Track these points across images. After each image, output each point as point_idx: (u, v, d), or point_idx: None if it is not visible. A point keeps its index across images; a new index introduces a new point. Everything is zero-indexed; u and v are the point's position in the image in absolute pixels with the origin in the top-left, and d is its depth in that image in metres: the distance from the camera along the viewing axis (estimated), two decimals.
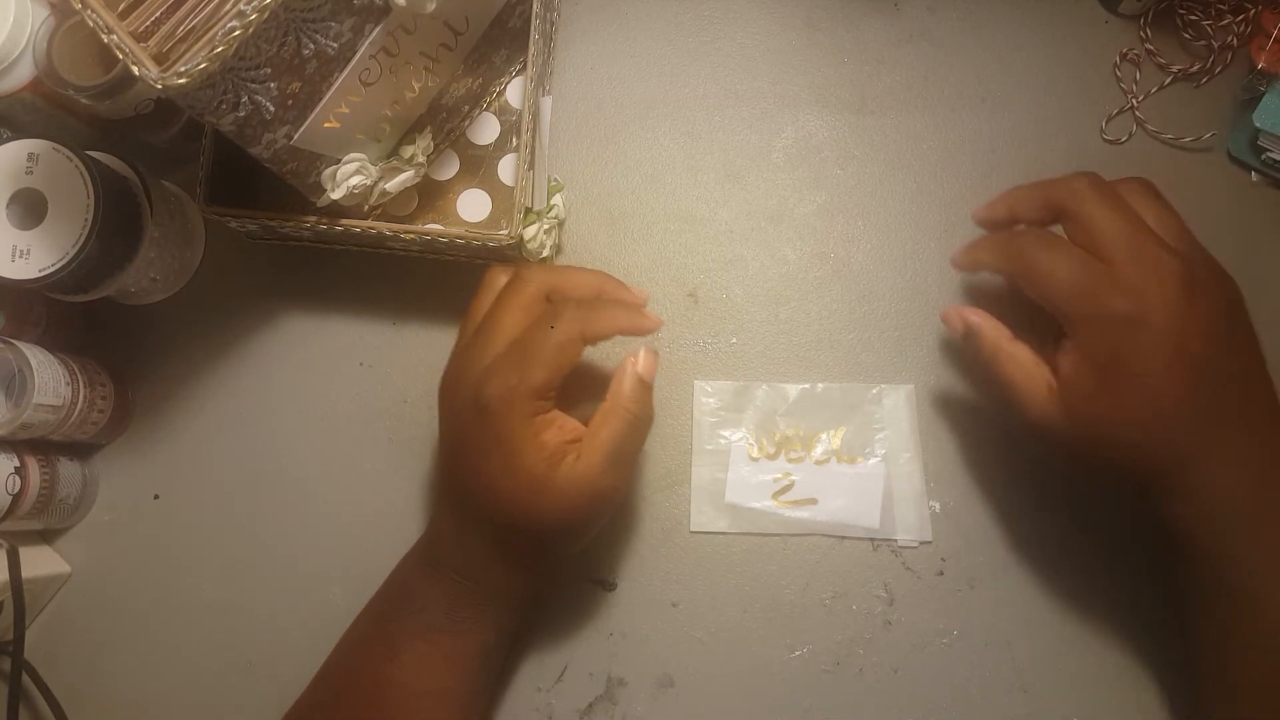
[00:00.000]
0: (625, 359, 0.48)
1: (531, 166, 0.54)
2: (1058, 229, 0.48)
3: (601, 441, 0.46)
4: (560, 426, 0.46)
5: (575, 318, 0.46)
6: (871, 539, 0.54)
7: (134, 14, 0.40)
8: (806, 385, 0.57)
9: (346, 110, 0.48)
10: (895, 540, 0.54)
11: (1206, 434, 0.44)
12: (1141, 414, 0.44)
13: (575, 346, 0.46)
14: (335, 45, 0.44)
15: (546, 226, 0.55)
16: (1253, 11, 0.59)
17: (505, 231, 0.53)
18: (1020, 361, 0.47)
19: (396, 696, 0.47)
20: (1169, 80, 0.60)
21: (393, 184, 0.53)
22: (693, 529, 0.55)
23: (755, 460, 0.56)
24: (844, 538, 0.55)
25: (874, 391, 0.56)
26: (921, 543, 0.54)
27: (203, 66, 0.39)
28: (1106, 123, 0.60)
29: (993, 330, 0.49)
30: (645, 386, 0.48)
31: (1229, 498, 0.44)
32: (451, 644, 0.48)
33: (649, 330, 0.48)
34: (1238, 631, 0.44)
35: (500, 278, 0.50)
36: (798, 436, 0.56)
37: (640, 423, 0.47)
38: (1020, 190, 0.49)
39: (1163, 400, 0.44)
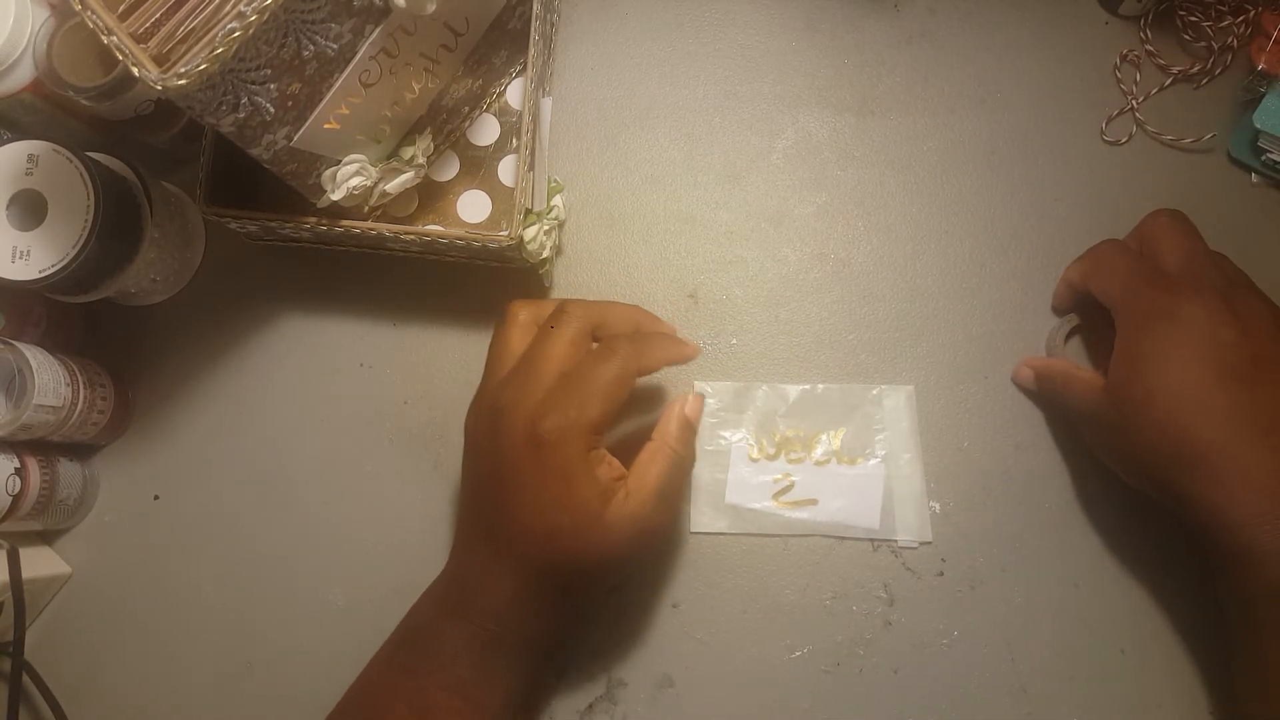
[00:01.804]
0: (674, 400, 0.49)
1: (531, 168, 0.54)
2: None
3: (650, 479, 0.46)
4: (609, 463, 0.46)
5: (629, 353, 0.46)
6: (871, 540, 0.55)
7: (134, 15, 0.40)
8: (806, 386, 0.57)
9: (346, 111, 0.48)
10: (895, 541, 0.54)
11: (1239, 426, 0.45)
12: (1170, 398, 0.46)
13: (629, 382, 0.46)
14: (335, 46, 0.44)
15: (546, 227, 0.55)
16: (1253, 13, 0.59)
17: (505, 232, 0.53)
18: (1083, 378, 0.52)
19: None
20: (1169, 81, 0.60)
21: (393, 185, 0.53)
22: (693, 530, 0.55)
23: (755, 461, 0.56)
24: (844, 538, 0.55)
25: (874, 392, 0.56)
26: (921, 543, 0.54)
27: (202, 68, 0.39)
28: (1106, 124, 0.60)
29: (1060, 364, 0.54)
30: (691, 429, 0.49)
31: (1259, 490, 0.44)
32: (482, 697, 0.46)
33: (692, 358, 0.50)
34: (1268, 625, 0.45)
35: (524, 311, 0.50)
36: (798, 437, 0.56)
37: (685, 463, 0.48)
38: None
39: (1191, 387, 0.46)
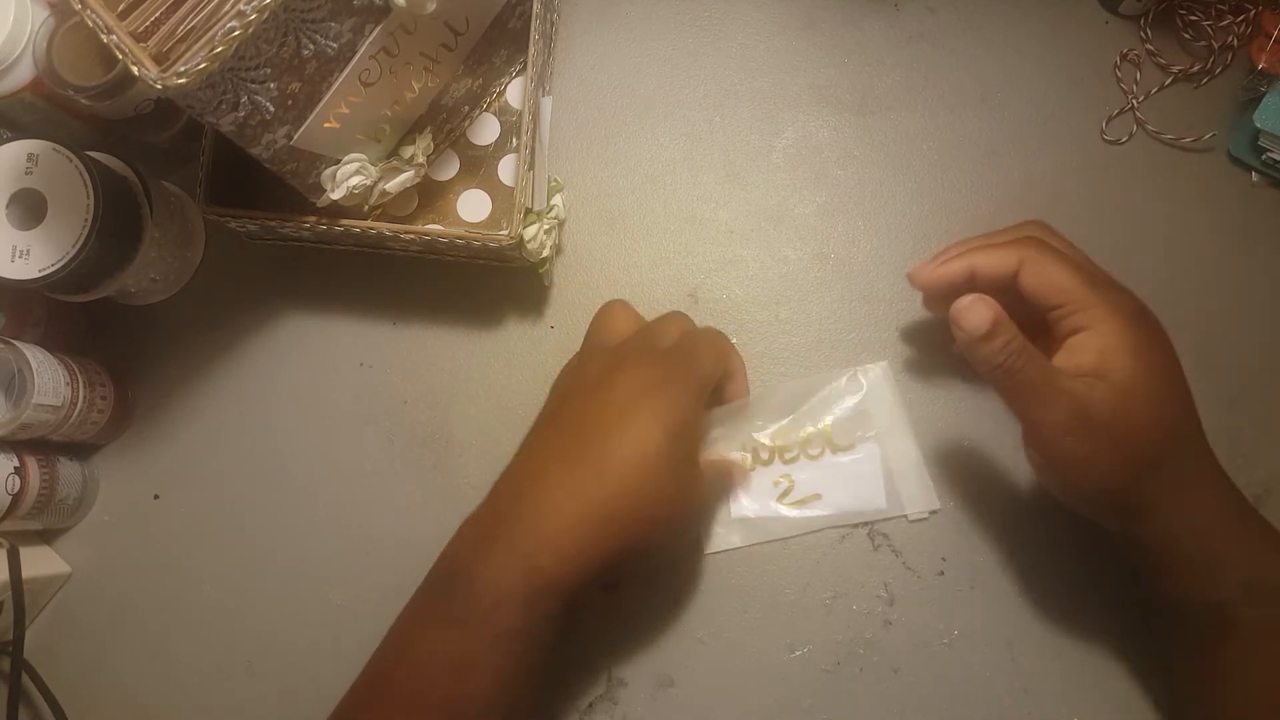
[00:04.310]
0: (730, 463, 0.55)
1: (531, 167, 0.54)
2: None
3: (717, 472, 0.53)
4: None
5: (726, 346, 0.53)
6: (883, 519, 0.54)
7: (134, 14, 0.39)
8: (786, 381, 0.57)
9: (346, 110, 0.48)
10: (906, 515, 0.54)
11: (1177, 446, 0.45)
12: (1169, 390, 0.45)
13: (729, 358, 0.52)
14: (335, 45, 0.44)
15: (546, 227, 0.55)
16: (1253, 12, 0.59)
17: (505, 232, 0.53)
18: (1044, 361, 0.45)
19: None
20: (1169, 81, 0.60)
21: (393, 184, 0.53)
22: (707, 552, 0.55)
23: (752, 470, 0.56)
24: (855, 526, 0.55)
25: (848, 376, 0.56)
26: (931, 512, 0.54)
27: (202, 67, 0.39)
28: (1107, 123, 0.60)
29: (1013, 329, 0.44)
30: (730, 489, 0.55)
31: (1199, 510, 0.45)
32: (527, 652, 0.43)
33: (741, 397, 0.54)
34: (1213, 649, 0.45)
35: (626, 307, 0.53)
36: (788, 438, 0.56)
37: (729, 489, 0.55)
38: (976, 250, 0.49)
39: (1181, 381, 0.46)
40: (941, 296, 0.50)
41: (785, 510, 0.55)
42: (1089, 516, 0.48)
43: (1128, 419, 0.44)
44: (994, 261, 0.48)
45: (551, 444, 0.47)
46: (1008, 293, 0.47)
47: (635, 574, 0.54)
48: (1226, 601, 0.44)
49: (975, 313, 0.44)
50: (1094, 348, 0.45)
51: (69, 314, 0.58)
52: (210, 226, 0.61)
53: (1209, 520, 0.45)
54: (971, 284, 0.48)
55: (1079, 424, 0.44)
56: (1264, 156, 0.57)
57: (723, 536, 0.55)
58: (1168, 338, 0.47)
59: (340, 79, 0.46)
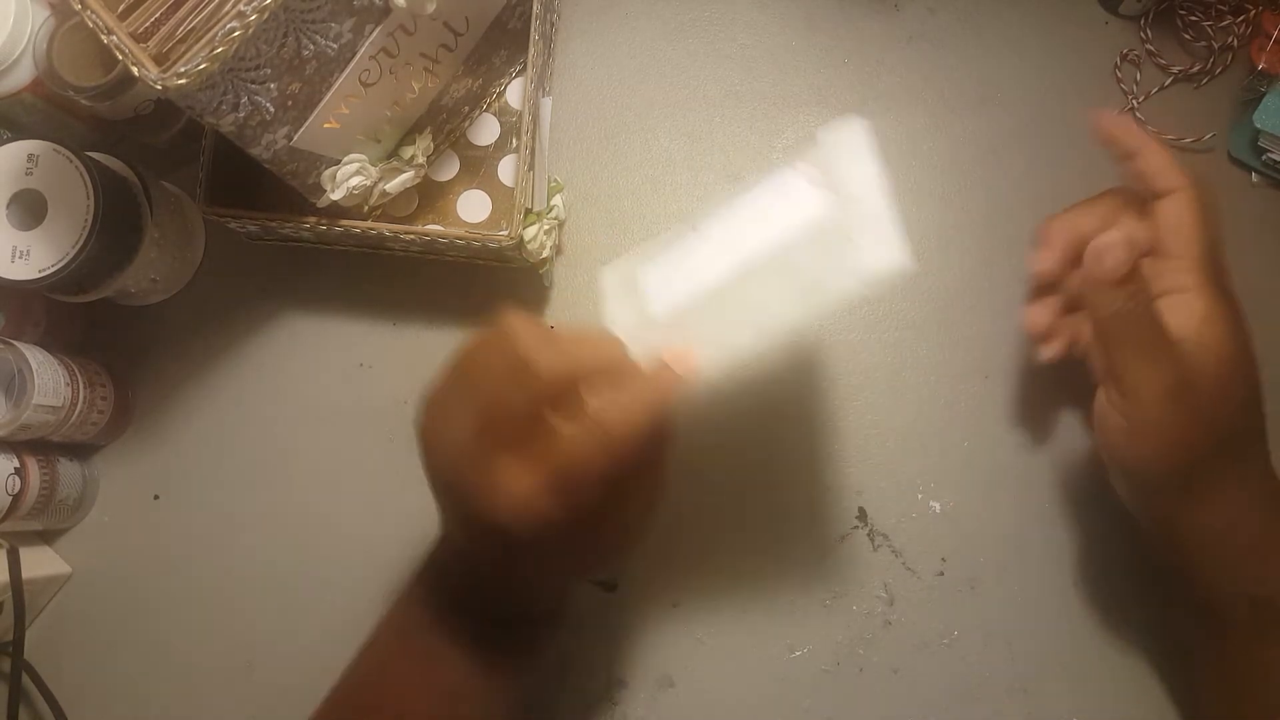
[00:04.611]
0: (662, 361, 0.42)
1: (531, 167, 0.54)
2: None
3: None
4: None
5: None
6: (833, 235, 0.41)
7: (134, 15, 0.40)
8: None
9: (346, 111, 0.48)
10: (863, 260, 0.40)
11: (1248, 432, 0.45)
12: (1251, 347, 0.44)
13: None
14: (335, 46, 0.44)
15: (546, 227, 0.55)
16: (1253, 12, 0.59)
17: (505, 232, 0.53)
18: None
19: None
20: (1169, 81, 0.60)
21: (392, 185, 0.53)
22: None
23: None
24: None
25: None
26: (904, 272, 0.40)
27: (202, 67, 0.39)
28: None
29: (1145, 291, 0.43)
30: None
31: (1252, 504, 0.44)
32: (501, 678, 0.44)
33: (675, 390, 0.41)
34: (1255, 645, 0.45)
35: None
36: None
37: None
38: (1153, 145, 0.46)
39: (1235, 385, 0.44)
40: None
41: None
42: (1138, 498, 0.47)
43: (1221, 393, 0.42)
44: (1162, 165, 0.45)
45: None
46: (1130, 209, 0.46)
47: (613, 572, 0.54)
48: (1270, 597, 0.44)
49: (1117, 253, 0.42)
50: (1198, 311, 0.43)
51: (69, 314, 0.58)
52: (210, 227, 0.61)
53: (1261, 514, 0.44)
54: (1127, 170, 0.46)
55: (1181, 389, 0.42)
56: (1264, 157, 0.57)
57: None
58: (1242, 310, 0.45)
59: (340, 79, 0.46)
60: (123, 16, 0.40)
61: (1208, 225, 0.45)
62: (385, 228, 0.52)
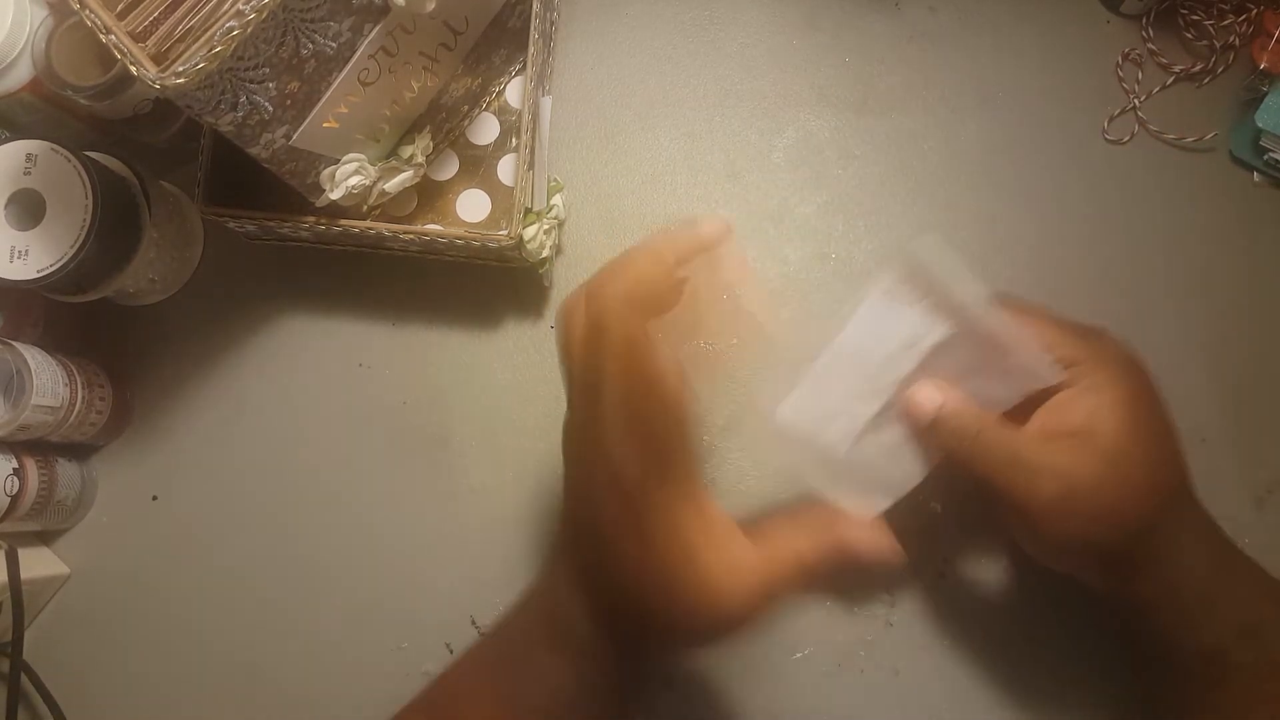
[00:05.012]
0: (847, 521, 0.42)
1: (531, 166, 0.54)
2: None
3: (792, 548, 0.40)
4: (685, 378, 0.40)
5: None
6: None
7: (132, 14, 0.39)
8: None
9: (345, 110, 0.48)
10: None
11: (1170, 504, 0.44)
12: (1173, 432, 0.43)
13: (660, 258, 0.41)
14: (334, 45, 0.44)
15: (546, 227, 0.55)
16: (1254, 11, 0.59)
17: (505, 232, 0.53)
18: (1014, 432, 0.43)
19: None
20: (1171, 80, 0.60)
21: (392, 184, 0.53)
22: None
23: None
24: None
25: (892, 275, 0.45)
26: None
27: (201, 66, 0.39)
28: (1108, 123, 0.60)
29: (973, 407, 0.43)
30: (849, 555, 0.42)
31: (1192, 561, 0.44)
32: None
33: (719, 235, 0.44)
34: (1209, 695, 0.44)
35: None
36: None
37: (807, 581, 0.41)
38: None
39: (1172, 434, 0.44)
40: None
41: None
42: (1079, 579, 0.46)
43: (1118, 486, 0.41)
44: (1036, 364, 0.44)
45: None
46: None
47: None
48: (1221, 647, 0.43)
49: (927, 394, 0.43)
50: (1081, 406, 0.42)
51: (67, 314, 0.58)
52: (209, 227, 0.61)
53: (1202, 569, 0.44)
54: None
55: (1065, 501, 0.41)
56: (1265, 156, 0.57)
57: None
58: (1156, 388, 0.44)
59: (339, 79, 0.46)
60: (121, 16, 0.39)
61: (1047, 317, 0.43)
62: (384, 227, 0.52)
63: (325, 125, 0.48)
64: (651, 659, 0.43)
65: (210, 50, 0.39)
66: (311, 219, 0.52)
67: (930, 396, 0.43)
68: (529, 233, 0.53)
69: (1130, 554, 0.43)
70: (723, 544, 0.40)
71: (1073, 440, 0.42)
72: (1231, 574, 0.44)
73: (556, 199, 0.56)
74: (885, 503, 0.44)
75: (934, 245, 0.43)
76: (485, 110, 0.59)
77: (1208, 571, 0.44)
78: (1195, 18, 0.60)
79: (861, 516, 0.43)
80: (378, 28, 0.46)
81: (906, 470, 0.45)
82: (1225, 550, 0.45)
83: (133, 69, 0.39)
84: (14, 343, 0.52)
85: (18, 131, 0.55)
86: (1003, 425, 0.43)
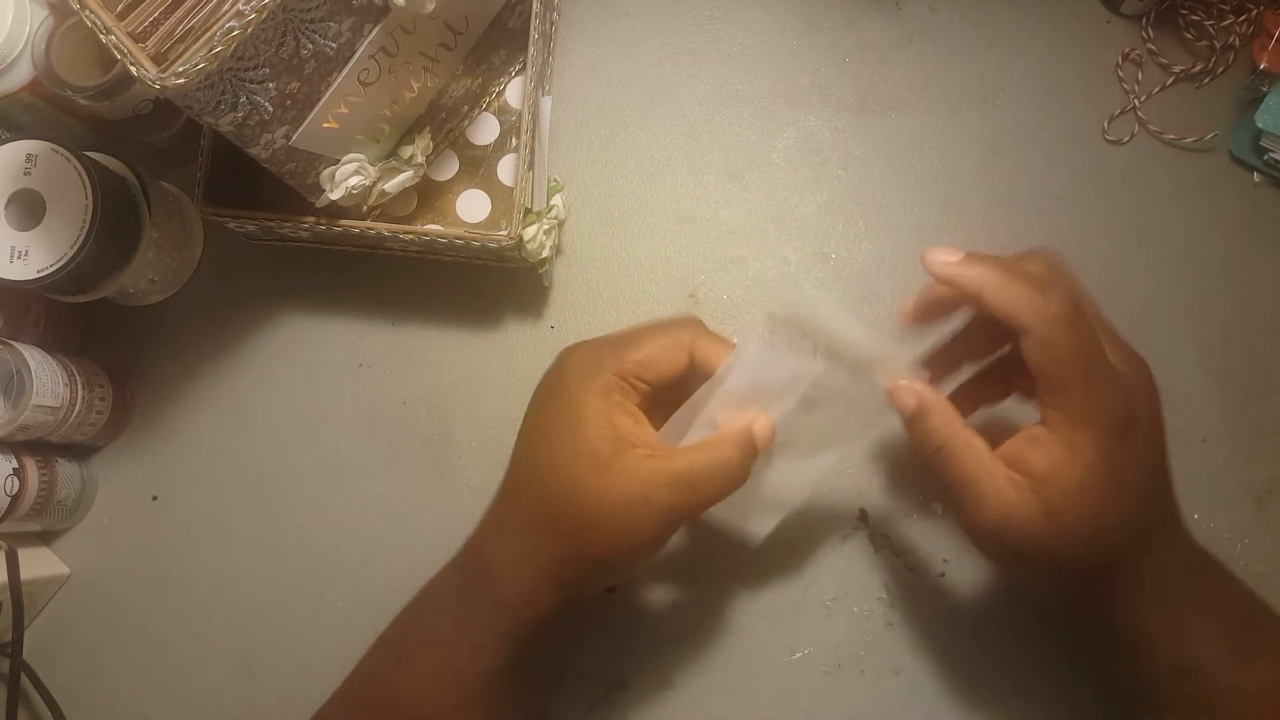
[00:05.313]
0: (748, 418, 0.43)
1: (531, 167, 0.54)
2: None
3: (686, 461, 0.42)
4: (638, 422, 0.43)
5: (693, 323, 0.45)
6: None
7: (132, 14, 0.39)
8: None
9: (345, 110, 0.48)
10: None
11: (1158, 519, 0.43)
12: (1130, 505, 0.41)
13: (682, 350, 0.43)
14: (334, 45, 0.44)
15: (546, 227, 0.55)
16: (1255, 12, 0.59)
17: (504, 232, 0.53)
18: (978, 453, 0.42)
19: (407, 712, 0.44)
20: (1171, 80, 0.60)
21: (391, 184, 0.53)
22: (757, 544, 0.48)
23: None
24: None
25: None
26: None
27: (201, 67, 0.39)
28: (1108, 123, 0.60)
29: (945, 414, 0.43)
30: (752, 450, 0.43)
31: (1139, 604, 0.43)
32: (454, 662, 0.43)
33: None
34: (1190, 710, 0.43)
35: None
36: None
37: (729, 477, 0.42)
38: (997, 275, 0.42)
39: (1145, 489, 0.42)
40: (933, 305, 0.45)
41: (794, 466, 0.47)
42: (1055, 591, 0.46)
43: (1056, 536, 0.40)
44: (1008, 303, 0.41)
45: (510, 475, 0.46)
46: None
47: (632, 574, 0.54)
48: (1154, 687, 0.43)
49: (902, 398, 0.43)
50: (1048, 455, 0.41)
51: (67, 314, 0.58)
52: (209, 227, 0.61)
53: (1148, 609, 0.42)
54: (975, 304, 0.42)
55: (1001, 534, 0.41)
56: (1265, 156, 0.57)
57: (766, 521, 0.48)
58: (1153, 442, 0.42)
59: (339, 79, 0.46)
60: (121, 16, 0.39)
61: (1078, 352, 0.40)
62: (384, 227, 0.52)
63: (325, 125, 0.48)
64: (566, 571, 0.43)
65: (210, 50, 0.39)
66: (311, 219, 0.52)
67: (905, 403, 0.43)
68: (529, 233, 0.53)
69: (1064, 592, 0.44)
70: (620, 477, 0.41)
71: (1027, 481, 0.41)
72: (1178, 616, 0.42)
73: (556, 199, 0.56)
74: (773, 521, 0.48)
75: (802, 289, 0.44)
76: (485, 110, 0.59)
77: (1153, 610, 0.42)
78: (1195, 18, 0.60)
79: (754, 536, 0.48)
80: (378, 28, 0.46)
81: (793, 492, 0.48)
82: (1181, 588, 0.43)
83: (133, 69, 0.39)
84: (14, 343, 0.52)
85: (18, 131, 0.55)
86: (969, 441, 0.42)
